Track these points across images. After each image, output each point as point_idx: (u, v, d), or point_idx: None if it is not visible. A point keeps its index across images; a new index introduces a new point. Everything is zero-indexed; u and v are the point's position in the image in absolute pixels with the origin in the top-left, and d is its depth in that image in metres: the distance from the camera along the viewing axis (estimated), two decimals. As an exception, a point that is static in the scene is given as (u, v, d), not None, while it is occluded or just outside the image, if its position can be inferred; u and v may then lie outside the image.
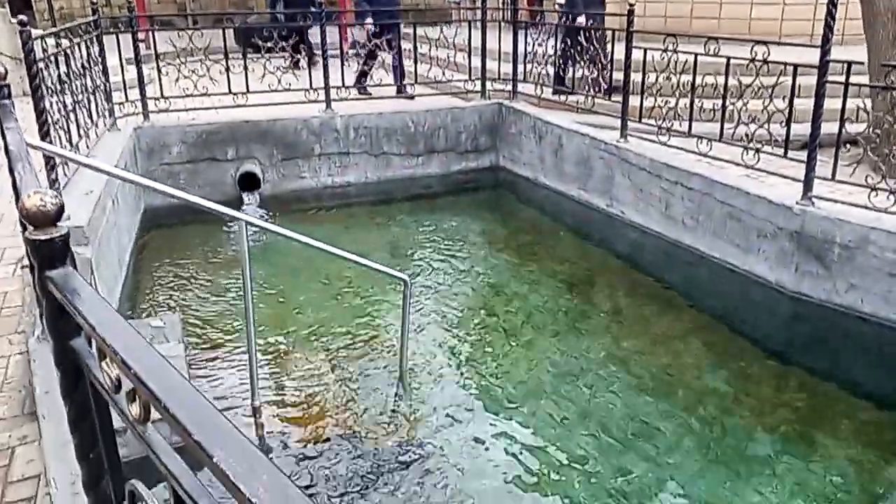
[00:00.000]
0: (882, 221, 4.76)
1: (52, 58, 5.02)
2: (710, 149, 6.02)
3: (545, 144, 7.80)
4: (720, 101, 5.94)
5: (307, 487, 3.68)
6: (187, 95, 7.27)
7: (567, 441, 4.08)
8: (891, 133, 5.09)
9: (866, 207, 4.87)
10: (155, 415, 0.99)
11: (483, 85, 8.62)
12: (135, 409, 1.07)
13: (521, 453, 3.98)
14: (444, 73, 8.31)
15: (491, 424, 4.23)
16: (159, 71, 7.32)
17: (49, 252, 1.26)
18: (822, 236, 5.02)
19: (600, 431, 4.17)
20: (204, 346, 4.99)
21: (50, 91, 4.75)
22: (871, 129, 5.07)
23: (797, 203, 5.18)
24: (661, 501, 3.66)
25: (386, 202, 7.91)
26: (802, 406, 4.50)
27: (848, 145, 5.12)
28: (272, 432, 4.11)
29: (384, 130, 8.05)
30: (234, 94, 7.37)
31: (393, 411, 4.34)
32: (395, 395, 4.50)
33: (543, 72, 8.21)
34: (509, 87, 8.58)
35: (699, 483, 3.80)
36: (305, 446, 4.00)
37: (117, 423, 1.29)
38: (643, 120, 6.69)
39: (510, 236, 7.12)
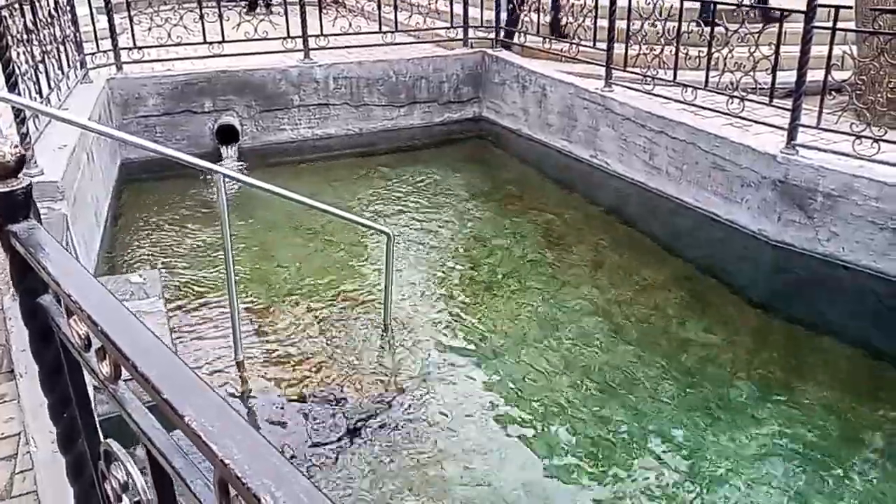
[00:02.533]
0: (865, 169, 4.76)
1: (17, 5, 4.83)
2: (695, 97, 5.96)
3: (529, 94, 7.69)
4: (706, 49, 5.86)
5: (292, 442, 3.70)
6: (161, 45, 7.05)
7: (550, 390, 4.12)
8: (876, 80, 5.05)
9: (850, 155, 4.85)
10: (126, 373, 0.95)
11: (465, 33, 8.45)
12: (105, 368, 1.03)
13: (504, 403, 4.01)
14: (425, 21, 8.12)
15: (475, 375, 4.25)
16: (131, 20, 7.09)
17: (10, 205, 1.20)
18: (806, 185, 5.02)
19: (583, 380, 4.21)
20: (185, 301, 4.94)
21: (16, 41, 4.57)
22: (856, 76, 5.02)
23: (781, 152, 5.16)
24: (643, 449, 3.71)
25: (367, 154, 7.81)
26: (783, 352, 4.56)
27: (833, 93, 5.08)
28: (256, 387, 4.10)
29: (365, 81, 7.89)
30: (210, 43, 7.16)
31: (378, 363, 4.35)
32: (380, 347, 4.51)
33: (527, 19, 8.05)
34: (493, 36, 8.42)
35: (680, 430, 3.85)
36: (290, 400, 4.00)
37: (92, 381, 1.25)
38: (628, 68, 6.59)
39: (493, 188, 7.06)
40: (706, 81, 5.91)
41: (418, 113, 8.25)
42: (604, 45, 6.73)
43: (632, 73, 6.56)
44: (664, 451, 3.69)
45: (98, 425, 1.44)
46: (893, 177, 4.63)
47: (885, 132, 4.75)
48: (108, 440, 1.13)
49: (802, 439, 3.78)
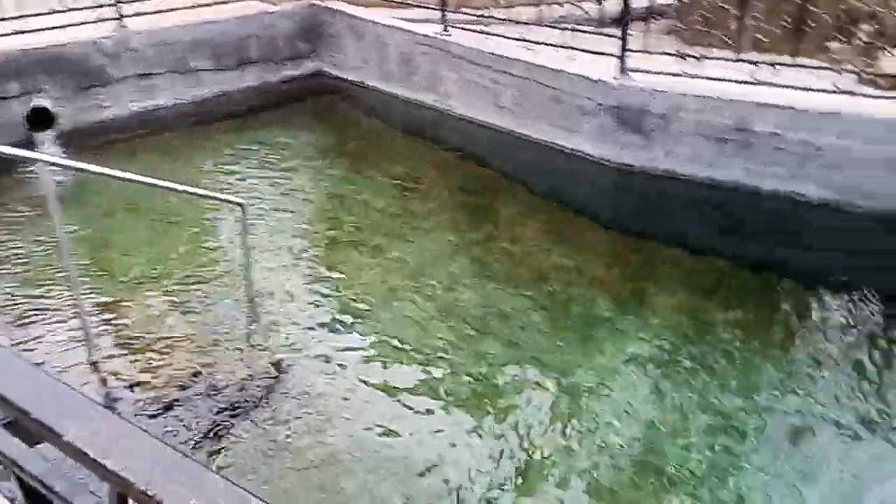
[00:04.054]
0: (692, 87, 5.09)
1: None
2: (531, 34, 6.09)
3: (366, 45, 7.53)
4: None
5: (167, 438, 3.51)
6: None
7: (427, 338, 4.16)
8: (695, 1, 5.37)
9: (677, 75, 5.17)
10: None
11: (291, -15, 8.08)
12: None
13: (383, 358, 4.02)
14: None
15: (350, 336, 4.21)
16: None
17: None
18: (639, 108, 5.31)
19: (457, 323, 4.29)
20: (25, 309, 4.49)
21: None
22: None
23: (614, 78, 5.40)
24: (520, 378, 3.87)
25: (204, 123, 7.35)
26: (636, 268, 4.87)
27: (658, 16, 5.36)
28: (117, 387, 3.82)
29: (188, 44, 7.37)
30: (8, 19, 6.40)
31: (248, 340, 4.19)
32: (248, 324, 4.34)
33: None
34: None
35: (553, 354, 4.04)
36: (157, 394, 3.77)
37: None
38: (463, 9, 6.60)
39: (343, 144, 6.92)
40: (539, 17, 6.04)
41: (252, 74, 7.85)
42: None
43: (467, 14, 6.58)
44: (541, 375, 3.87)
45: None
46: (716, 91, 4.99)
47: (706, 52, 5.09)
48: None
49: (662, 344, 4.09)
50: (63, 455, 0.67)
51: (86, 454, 0.61)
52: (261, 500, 0.58)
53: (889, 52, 5.31)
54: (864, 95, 4.82)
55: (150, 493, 0.56)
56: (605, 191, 5.77)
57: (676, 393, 3.74)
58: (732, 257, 4.84)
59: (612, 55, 5.53)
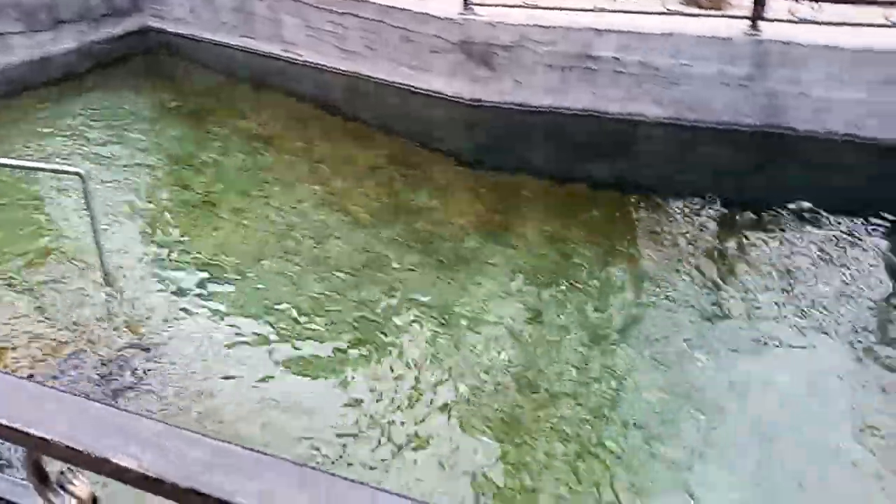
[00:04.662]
0: (536, 18, 5.19)
1: None
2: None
3: (194, -6, 7.05)
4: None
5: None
6: None
7: (302, 292, 4.08)
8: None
9: (521, 6, 5.24)
10: None
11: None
12: None
13: (257, 317, 3.90)
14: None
15: (220, 299, 4.05)
16: None
17: None
18: (486, 41, 5.35)
19: (331, 274, 4.23)
20: None
21: None
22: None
23: (459, 14, 5.40)
24: (401, 319, 3.89)
25: (18, 93, 6.65)
26: (499, 200, 4.99)
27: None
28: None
29: (-11, 5, 6.58)
30: None
31: (109, 316, 3.92)
32: (106, 299, 4.05)
33: None
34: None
35: (429, 291, 4.09)
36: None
37: None
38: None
39: (184, 103, 6.50)
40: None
41: (69, 35, 7.14)
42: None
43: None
44: (419, 314, 3.92)
45: None
46: (558, 21, 5.12)
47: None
48: None
49: (529, 270, 4.25)
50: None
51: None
52: (205, 436, 0.54)
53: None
54: (690, 15, 5.13)
55: (76, 447, 0.50)
56: (462, 128, 5.82)
57: (548, 313, 3.91)
58: (586, 180, 5.07)
59: (456, -9, 5.52)
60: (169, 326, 3.82)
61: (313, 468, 0.55)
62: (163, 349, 3.66)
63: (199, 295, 4.09)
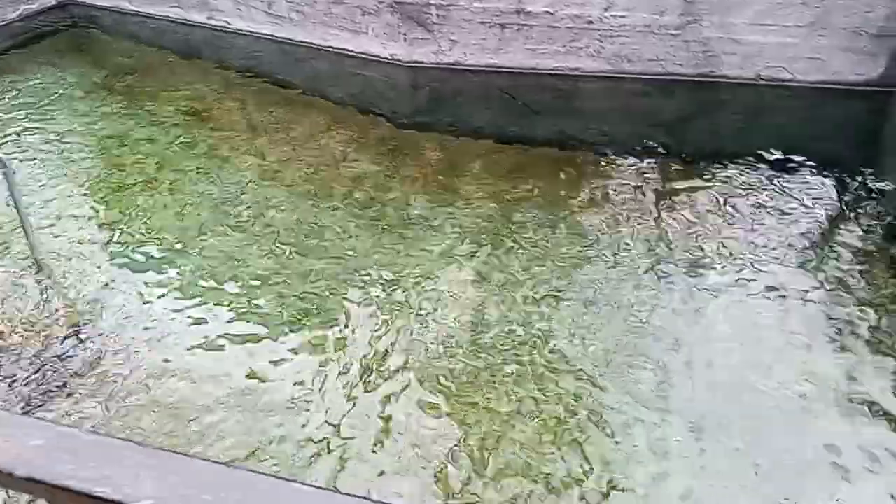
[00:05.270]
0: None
1: None
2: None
3: (114, -37, 6.75)
4: None
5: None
6: None
7: (246, 266, 4.02)
8: None
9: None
10: None
11: None
12: None
13: (200, 294, 3.83)
14: None
15: (162, 278, 3.96)
16: None
17: None
18: (419, 1, 5.25)
19: (277, 244, 4.17)
20: None
21: None
22: None
23: (389, -27, 5.28)
24: (349, 286, 3.86)
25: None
26: (441, 163, 4.95)
27: None
28: None
29: None
30: None
31: (43, 305, 3.80)
32: (41, 289, 3.92)
33: None
34: None
35: (377, 256, 4.07)
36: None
37: None
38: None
39: (112, 78, 6.26)
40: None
41: (-16, 12, 6.81)
42: None
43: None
44: (368, 281, 3.89)
45: None
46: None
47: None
48: None
49: (470, 228, 4.25)
50: None
51: None
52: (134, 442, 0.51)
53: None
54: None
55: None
56: (400, 91, 5.74)
57: (495, 273, 3.93)
58: (525, 138, 5.06)
59: (383, -51, 5.38)
60: (107, 313, 3.73)
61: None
62: (106, 336, 3.57)
63: (143, 273, 3.99)
